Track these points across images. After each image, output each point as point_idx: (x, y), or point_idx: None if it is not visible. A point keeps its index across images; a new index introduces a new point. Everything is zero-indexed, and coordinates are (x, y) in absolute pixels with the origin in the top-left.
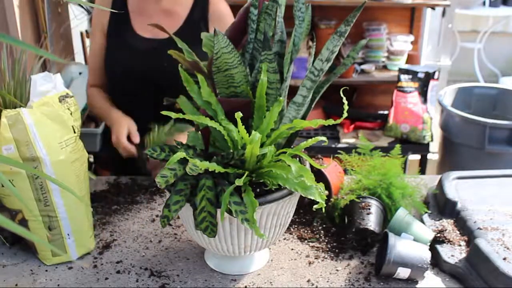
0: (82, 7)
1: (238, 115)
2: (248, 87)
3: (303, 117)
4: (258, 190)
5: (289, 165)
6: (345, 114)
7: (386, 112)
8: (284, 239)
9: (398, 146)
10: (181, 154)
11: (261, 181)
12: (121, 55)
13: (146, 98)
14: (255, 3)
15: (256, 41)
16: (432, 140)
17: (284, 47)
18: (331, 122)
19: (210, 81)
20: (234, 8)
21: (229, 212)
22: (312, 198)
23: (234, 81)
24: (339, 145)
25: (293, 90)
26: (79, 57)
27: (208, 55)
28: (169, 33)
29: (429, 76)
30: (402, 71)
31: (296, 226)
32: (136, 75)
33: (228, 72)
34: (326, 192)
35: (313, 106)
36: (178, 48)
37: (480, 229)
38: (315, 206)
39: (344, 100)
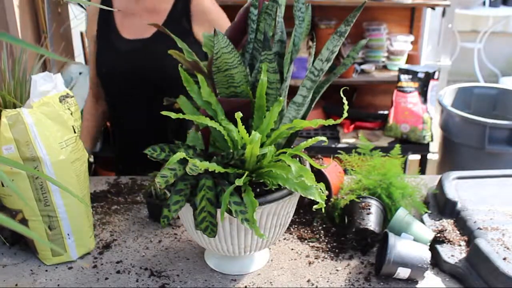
0: (82, 7)
1: (238, 115)
2: (248, 87)
3: (303, 117)
4: (258, 190)
5: (289, 165)
6: (345, 114)
7: (386, 112)
8: (284, 239)
9: (398, 146)
10: (181, 154)
11: (261, 181)
12: (107, 57)
13: (135, 99)
14: (255, 3)
15: (256, 41)
16: (432, 140)
17: (284, 47)
18: (331, 122)
19: (210, 81)
20: (234, 8)
21: (229, 212)
22: (312, 198)
23: (234, 81)
24: (339, 145)
25: (293, 90)
26: (79, 57)
27: (208, 55)
28: (165, 30)
29: (429, 76)
30: (402, 71)
31: (296, 226)
32: (121, 76)
33: (228, 72)
34: (326, 192)
35: (313, 106)
36: (162, 45)
37: (480, 229)
38: (315, 206)
39: (344, 100)
